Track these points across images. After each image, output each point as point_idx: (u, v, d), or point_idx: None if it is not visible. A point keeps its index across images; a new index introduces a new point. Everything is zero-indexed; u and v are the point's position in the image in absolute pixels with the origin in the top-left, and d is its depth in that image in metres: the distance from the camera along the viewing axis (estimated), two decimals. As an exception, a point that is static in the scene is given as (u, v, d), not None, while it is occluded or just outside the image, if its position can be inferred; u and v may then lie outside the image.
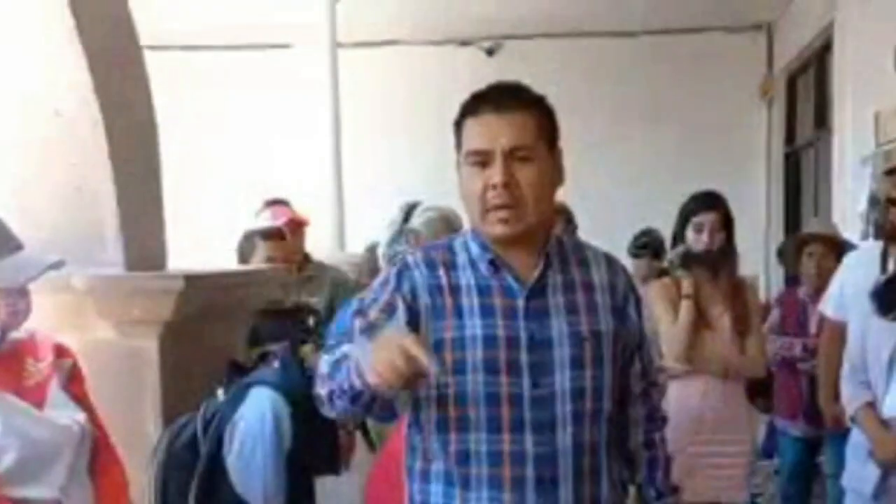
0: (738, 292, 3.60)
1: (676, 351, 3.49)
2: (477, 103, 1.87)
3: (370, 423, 2.89)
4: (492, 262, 1.88)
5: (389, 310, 1.84)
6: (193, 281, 2.82)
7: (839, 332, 3.54)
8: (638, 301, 2.03)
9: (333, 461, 2.73)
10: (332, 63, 6.89)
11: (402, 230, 2.93)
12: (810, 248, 4.39)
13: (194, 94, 7.92)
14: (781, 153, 8.11)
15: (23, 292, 2.23)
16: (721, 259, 3.56)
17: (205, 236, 5.39)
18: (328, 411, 1.84)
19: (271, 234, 3.76)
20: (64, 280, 2.59)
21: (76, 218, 2.86)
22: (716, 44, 8.29)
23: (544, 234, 1.93)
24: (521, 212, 1.83)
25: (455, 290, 1.87)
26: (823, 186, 6.89)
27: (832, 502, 3.97)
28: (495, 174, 1.81)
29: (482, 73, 8.04)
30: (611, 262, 2.02)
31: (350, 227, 6.91)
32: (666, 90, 8.28)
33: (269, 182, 6.33)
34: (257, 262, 3.64)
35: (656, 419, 2.10)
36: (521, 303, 1.86)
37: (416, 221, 2.93)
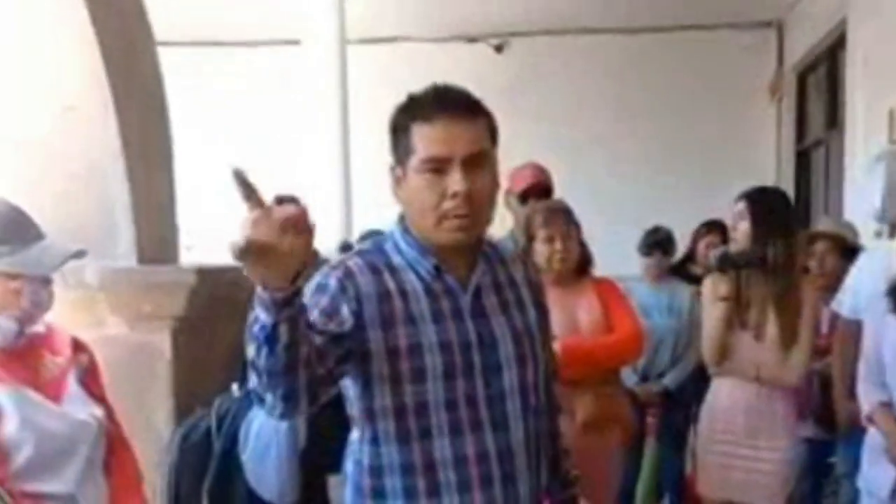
0: (791, 297, 3.41)
1: (704, 352, 3.50)
2: (428, 108, 1.81)
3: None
4: (436, 268, 1.84)
5: (331, 313, 1.74)
6: (205, 275, 2.80)
7: (854, 332, 3.51)
8: (542, 290, 2.05)
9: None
10: (340, 60, 6.87)
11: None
12: (814, 247, 4.37)
13: (202, 90, 7.91)
14: (792, 151, 8.07)
15: (45, 282, 2.21)
16: (775, 259, 3.38)
17: (211, 232, 5.37)
18: (267, 397, 1.64)
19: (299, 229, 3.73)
20: (77, 274, 2.58)
21: (89, 211, 2.85)
22: (725, 41, 8.25)
23: None
24: (477, 219, 1.81)
25: (403, 294, 1.81)
26: (834, 184, 6.86)
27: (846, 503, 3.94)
28: (455, 183, 1.75)
29: (490, 70, 8.05)
30: (518, 257, 2.08)
31: (358, 224, 6.89)
32: (675, 87, 8.25)
33: (277, 178, 6.31)
34: None
35: (557, 408, 2.11)
36: (465, 305, 1.85)
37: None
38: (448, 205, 1.77)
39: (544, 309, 2.04)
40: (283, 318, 1.51)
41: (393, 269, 1.83)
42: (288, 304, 1.50)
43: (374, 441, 1.82)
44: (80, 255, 2.25)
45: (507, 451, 1.85)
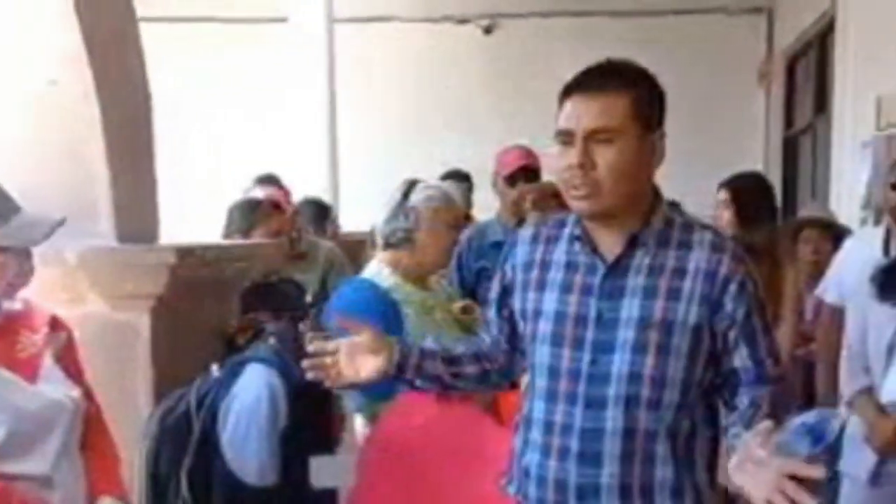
0: (773, 282, 3.38)
1: None
2: (572, 83, 1.91)
3: (361, 401, 2.85)
4: (577, 238, 1.92)
5: (494, 285, 2.09)
6: (186, 254, 2.79)
7: (838, 318, 3.49)
8: (742, 289, 1.88)
9: (328, 439, 2.70)
10: (328, 38, 6.83)
11: (401, 207, 2.89)
12: (806, 234, 4.35)
13: (186, 66, 7.84)
14: (780, 137, 8.08)
15: (28, 254, 2.18)
16: (759, 246, 3.35)
17: (193, 212, 5.34)
18: None
19: (278, 207, 3.73)
20: (56, 252, 2.55)
21: (69, 189, 2.81)
22: (714, 26, 8.26)
23: (634, 214, 1.88)
24: (596, 192, 1.83)
25: (545, 264, 1.96)
26: (821, 171, 6.87)
27: (828, 490, 3.95)
28: (572, 156, 1.84)
29: (479, 51, 8.01)
30: (717, 247, 1.89)
31: (344, 205, 6.87)
32: (663, 72, 8.06)
33: (263, 158, 6.27)
34: (262, 235, 3.59)
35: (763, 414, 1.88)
36: (597, 280, 1.88)
37: (416, 198, 2.89)
38: (566, 175, 1.86)
39: (723, 306, 1.86)
40: (407, 380, 2.04)
41: (550, 240, 1.98)
42: (401, 372, 1.99)
43: None
44: (62, 223, 2.22)
45: (595, 432, 1.86)
